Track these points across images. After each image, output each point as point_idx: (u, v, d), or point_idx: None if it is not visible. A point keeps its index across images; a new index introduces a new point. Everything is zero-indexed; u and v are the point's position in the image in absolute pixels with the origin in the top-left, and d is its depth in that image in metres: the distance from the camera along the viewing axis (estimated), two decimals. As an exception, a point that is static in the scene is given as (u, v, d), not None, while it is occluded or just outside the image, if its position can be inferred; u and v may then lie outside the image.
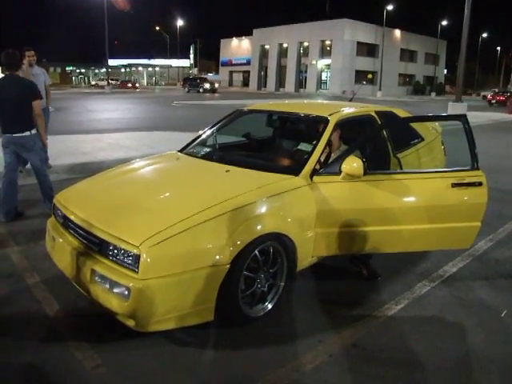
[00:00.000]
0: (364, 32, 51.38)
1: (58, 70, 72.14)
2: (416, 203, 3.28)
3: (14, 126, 4.60)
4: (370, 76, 51.19)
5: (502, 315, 3.10)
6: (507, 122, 19.39)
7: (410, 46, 57.75)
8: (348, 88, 46.95)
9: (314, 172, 3.21)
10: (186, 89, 45.02)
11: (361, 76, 50.93)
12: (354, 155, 3.19)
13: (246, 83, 63.39)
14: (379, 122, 3.98)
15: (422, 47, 59.52)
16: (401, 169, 3.86)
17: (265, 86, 58.65)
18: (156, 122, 14.67)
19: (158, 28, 73.96)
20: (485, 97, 49.98)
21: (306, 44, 53.37)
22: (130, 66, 76.61)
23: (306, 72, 53.34)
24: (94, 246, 2.66)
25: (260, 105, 4.84)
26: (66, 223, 2.99)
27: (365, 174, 3.10)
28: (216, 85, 45.02)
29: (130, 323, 2.50)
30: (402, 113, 4.57)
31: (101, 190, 3.31)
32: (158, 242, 2.42)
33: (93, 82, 65.00)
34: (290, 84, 54.88)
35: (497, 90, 43.06)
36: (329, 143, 3.60)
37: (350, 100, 5.41)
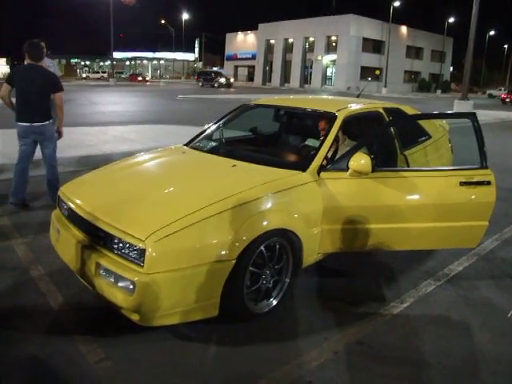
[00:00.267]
0: (370, 28, 51.09)
1: (63, 62, 72.29)
2: (424, 201, 3.25)
3: (35, 115, 4.67)
4: (377, 72, 50.82)
5: (509, 315, 3.07)
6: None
7: (416, 43, 57.39)
8: (353, 84, 46.79)
9: (322, 168, 3.18)
10: (200, 83, 44.63)
11: (366, 72, 50.71)
12: (362, 152, 3.16)
13: (250, 78, 63.20)
14: (387, 119, 3.95)
15: (428, 44, 59.12)
16: (408, 166, 3.83)
17: (269, 81, 58.50)
18: (160, 116, 14.66)
19: (163, 21, 73.90)
20: (491, 95, 49.96)
21: (311, 39, 53.14)
22: (134, 58, 76.64)
23: (311, 67, 53.12)
24: (98, 239, 2.64)
25: (266, 99, 4.80)
26: (71, 216, 2.97)
27: (373, 170, 3.07)
28: (231, 79, 44.71)
29: (135, 317, 2.49)
30: (409, 110, 4.54)
31: (106, 183, 3.30)
32: (164, 236, 2.40)
33: (90, 75, 64.96)
34: (294, 79, 54.70)
35: (503, 89, 43.06)
36: (336, 139, 3.57)
37: (358, 96, 5.39)
